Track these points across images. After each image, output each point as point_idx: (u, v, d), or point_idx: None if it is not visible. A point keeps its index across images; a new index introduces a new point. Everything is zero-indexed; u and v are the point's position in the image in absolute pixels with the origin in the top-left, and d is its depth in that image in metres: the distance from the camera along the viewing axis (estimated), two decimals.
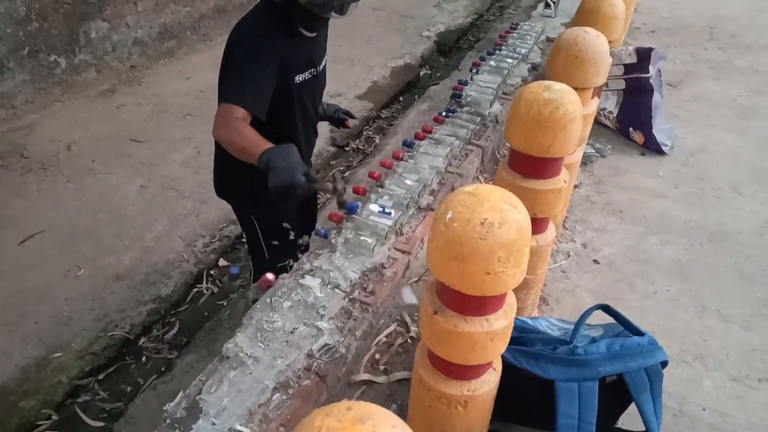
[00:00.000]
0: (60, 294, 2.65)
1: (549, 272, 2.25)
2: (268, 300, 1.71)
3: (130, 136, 3.86)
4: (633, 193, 2.79)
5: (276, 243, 2.05)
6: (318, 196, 2.61)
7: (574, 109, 1.55)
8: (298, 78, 1.76)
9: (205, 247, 3.11)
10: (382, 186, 2.24)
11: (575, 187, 2.79)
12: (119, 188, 3.35)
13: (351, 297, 1.75)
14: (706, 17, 5.55)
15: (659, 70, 3.14)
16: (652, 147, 3.12)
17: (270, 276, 1.72)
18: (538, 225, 1.75)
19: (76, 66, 4.27)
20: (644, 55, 3.05)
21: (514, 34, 3.97)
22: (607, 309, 1.41)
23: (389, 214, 2.02)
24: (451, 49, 6.39)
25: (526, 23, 4.31)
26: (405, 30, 6.24)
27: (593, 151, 3.03)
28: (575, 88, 2.06)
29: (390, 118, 4.87)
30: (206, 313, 2.79)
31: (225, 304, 2.86)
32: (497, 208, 1.06)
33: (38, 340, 2.44)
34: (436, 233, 1.11)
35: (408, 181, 2.29)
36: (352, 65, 5.30)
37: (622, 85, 3.23)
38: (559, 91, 1.55)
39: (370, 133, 4.55)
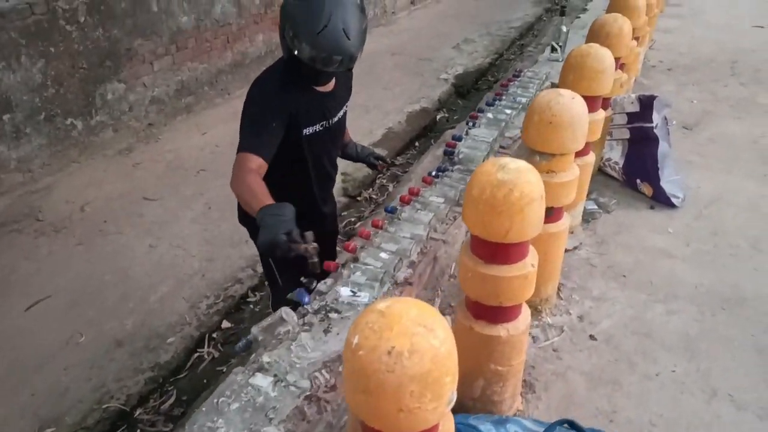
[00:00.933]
0: (60, 362, 2.60)
1: (539, 351, 2.07)
2: (215, 401, 1.58)
3: (143, 195, 3.87)
4: (639, 253, 2.59)
5: (288, 276, 2.10)
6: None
7: (531, 190, 1.40)
8: (307, 131, 1.82)
9: (209, 308, 3.03)
10: (356, 260, 2.12)
11: (574, 248, 2.60)
12: (128, 249, 3.33)
13: (308, 394, 1.61)
14: (727, 51, 5.32)
15: (665, 118, 2.96)
16: (661, 199, 2.92)
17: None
18: (506, 313, 1.59)
19: (92, 127, 4.36)
20: (647, 104, 2.87)
21: (516, 82, 3.85)
22: (572, 425, 1.23)
23: (359, 297, 1.89)
24: (470, 90, 6.33)
25: (530, 69, 4.19)
26: (423, 73, 6.22)
27: (596, 207, 2.84)
28: (551, 155, 1.93)
29: (405, 165, 4.78)
30: (205, 381, 2.67)
31: (224, 370, 2.76)
32: (408, 333, 0.93)
33: (33, 413, 2.38)
34: (345, 359, 0.98)
35: (384, 254, 2.16)
36: (368, 112, 5.27)
37: (626, 134, 3.05)
38: (514, 171, 1.41)
39: (384, 181, 4.46)
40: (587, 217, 2.81)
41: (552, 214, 2.02)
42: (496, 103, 3.45)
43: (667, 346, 2.08)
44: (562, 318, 2.21)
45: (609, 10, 3.26)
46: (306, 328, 1.77)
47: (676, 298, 2.31)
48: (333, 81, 1.84)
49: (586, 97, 2.36)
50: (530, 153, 1.97)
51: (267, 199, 1.58)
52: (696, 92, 4.40)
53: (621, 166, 3.08)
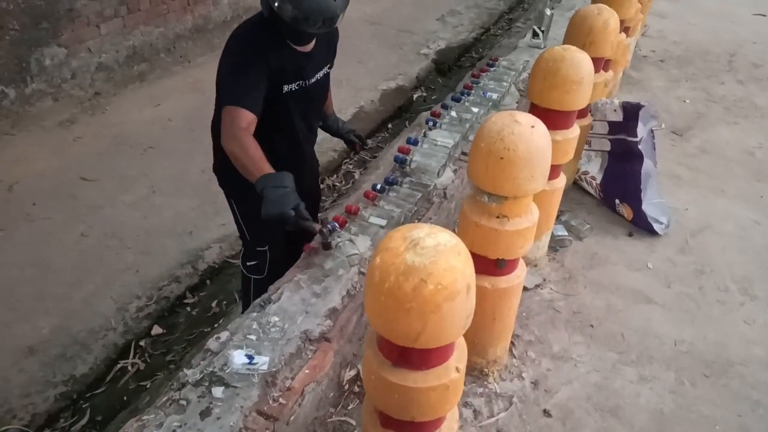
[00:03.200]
0: None
1: (480, 431, 1.68)
2: None
3: (80, 174, 3.46)
4: (611, 294, 2.20)
5: (253, 228, 2.12)
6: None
7: (454, 281, 0.98)
8: (286, 87, 1.81)
9: (139, 311, 2.69)
10: (269, 301, 1.72)
11: (536, 287, 2.20)
12: (55, 237, 2.94)
13: None
14: (724, 42, 4.88)
15: (651, 131, 2.53)
16: (641, 225, 2.52)
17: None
18: (422, 428, 1.19)
19: (27, 96, 3.91)
20: (631, 114, 2.44)
21: (490, 73, 3.39)
22: None
23: (255, 364, 1.49)
24: (451, 68, 5.90)
25: (506, 58, 3.73)
26: (402, 47, 5.73)
27: (566, 233, 2.43)
28: (504, 197, 1.51)
29: (375, 149, 4.34)
30: (125, 398, 2.37)
31: (149, 386, 2.43)
32: None
33: None
34: None
35: (293, 305, 1.76)
36: (339, 87, 4.77)
37: (606, 146, 2.63)
38: (431, 250, 0.98)
39: (350, 167, 4.03)
40: (555, 245, 2.41)
41: (504, 265, 1.61)
42: (464, 98, 3.00)
43: (635, 429, 1.70)
44: (512, 384, 1.81)
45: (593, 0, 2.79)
46: (178, 405, 1.37)
47: (651, 361, 1.92)
48: (313, 42, 1.82)
49: (557, 112, 1.94)
50: (477, 190, 1.54)
51: (266, 165, 1.59)
52: (689, 90, 3.98)
53: (599, 182, 2.67)
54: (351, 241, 2.10)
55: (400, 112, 4.95)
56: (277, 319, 1.71)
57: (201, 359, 1.53)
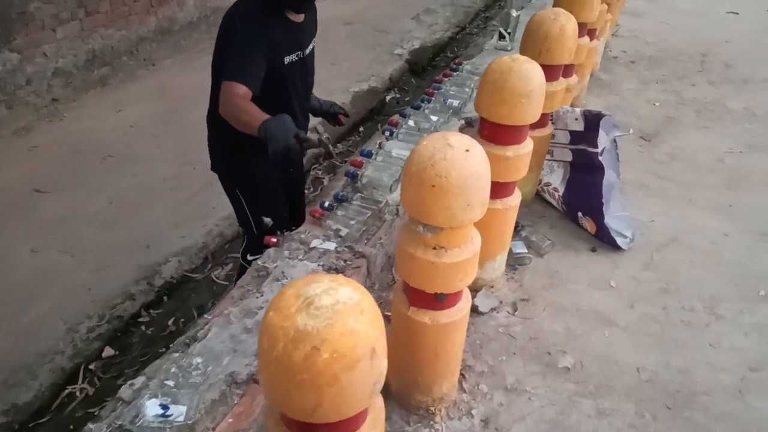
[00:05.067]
0: None
1: None
2: None
3: (34, 185, 3.32)
4: (572, 317, 2.07)
5: (263, 219, 2.17)
6: (305, 190, 2.72)
7: (354, 346, 0.84)
8: (287, 59, 1.86)
9: (90, 332, 2.57)
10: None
11: (492, 310, 2.07)
12: (5, 253, 2.82)
13: None
14: (698, 42, 4.79)
15: (615, 141, 2.41)
16: (605, 239, 2.40)
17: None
18: None
19: None
20: (592, 123, 2.32)
21: (453, 77, 3.26)
22: None
23: (170, 416, 1.35)
24: (425, 68, 5.84)
25: (471, 61, 3.60)
26: (376, 47, 5.65)
27: (525, 250, 2.30)
28: (441, 228, 1.37)
29: (345, 153, 4.22)
30: (72, 426, 2.24)
31: (97, 413, 2.27)
32: None
33: None
34: None
35: (221, 342, 1.62)
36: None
37: (568, 156, 2.50)
38: (327, 309, 0.84)
39: (319, 172, 3.92)
40: (515, 263, 2.28)
41: (444, 299, 1.47)
42: (423, 105, 2.87)
43: None
44: (461, 423, 1.68)
45: (554, 2, 2.66)
46: None
47: (611, 391, 1.79)
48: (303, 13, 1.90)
49: (507, 127, 1.81)
50: (411, 220, 1.40)
51: (264, 116, 1.66)
52: (659, 92, 3.87)
53: (561, 193, 2.54)
54: (291, 264, 1.96)
55: (372, 114, 4.86)
56: (200, 360, 1.56)
57: (111, 410, 1.38)
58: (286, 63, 1.87)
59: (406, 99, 5.11)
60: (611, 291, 2.19)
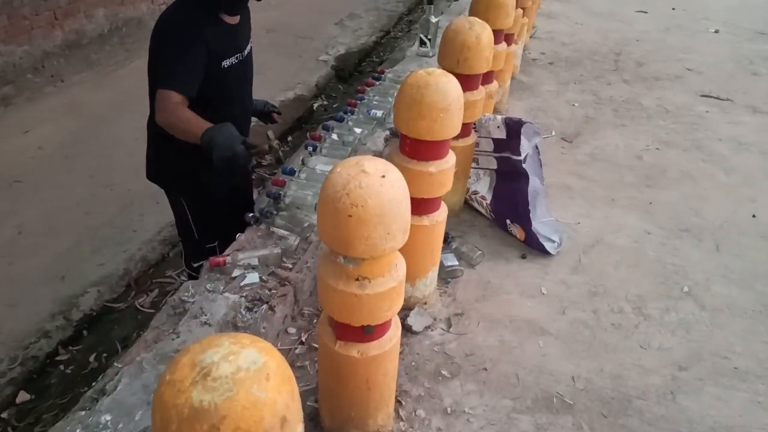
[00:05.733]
0: None
1: None
2: None
3: None
4: (505, 329, 2.04)
5: (205, 224, 2.15)
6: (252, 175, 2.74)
7: (261, 419, 0.74)
8: (225, 63, 1.84)
9: (1, 377, 2.35)
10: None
11: (426, 329, 2.01)
12: None
13: None
14: (611, 41, 4.96)
15: (537, 147, 2.42)
16: (534, 246, 2.40)
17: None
18: None
19: None
20: (513, 131, 2.31)
21: (376, 86, 3.20)
22: None
23: None
24: (352, 74, 5.79)
25: (393, 69, 3.56)
26: (301, 54, 5.54)
27: (456, 262, 2.26)
28: (362, 259, 1.29)
29: (272, 166, 4.06)
30: None
31: None
32: None
33: None
34: None
35: (132, 394, 1.49)
36: None
37: (493, 164, 2.49)
38: (227, 380, 0.73)
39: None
40: (446, 276, 2.24)
41: (372, 331, 1.40)
42: (347, 117, 2.79)
43: None
44: None
45: (470, 11, 2.65)
46: None
47: (548, 404, 1.77)
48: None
49: (428, 143, 1.76)
50: (331, 251, 1.32)
51: (205, 124, 1.66)
52: (578, 93, 3.97)
53: (489, 202, 2.53)
54: (210, 299, 1.84)
55: (300, 123, 4.75)
56: (109, 417, 1.43)
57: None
58: (225, 66, 1.84)
59: (334, 105, 5.05)
60: (542, 298, 2.19)
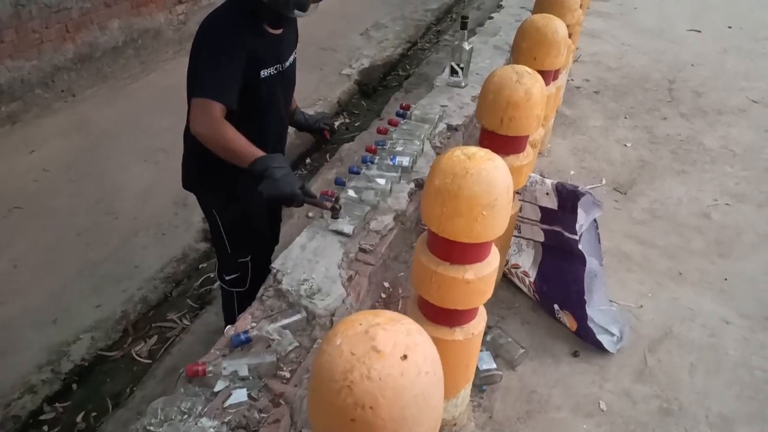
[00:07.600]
0: None
1: None
2: None
3: None
4: None
5: (236, 239, 2.07)
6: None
7: None
8: (264, 73, 1.78)
9: None
10: None
11: None
12: None
13: None
14: (663, 65, 4.46)
15: (595, 222, 1.98)
16: (588, 340, 1.96)
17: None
18: None
19: None
20: (568, 203, 1.88)
21: (402, 127, 2.79)
22: None
23: None
24: (376, 89, 5.42)
25: (419, 103, 3.14)
26: (323, 67, 5.18)
27: (493, 365, 1.84)
28: None
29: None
30: None
31: None
32: None
33: None
34: None
35: None
36: None
37: (539, 236, 2.06)
38: None
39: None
40: (481, 383, 1.82)
41: None
42: (366, 166, 2.40)
43: None
44: None
45: (512, 50, 2.21)
46: None
47: None
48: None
49: (464, 245, 1.35)
50: None
51: (255, 150, 1.63)
52: (629, 129, 3.50)
53: (533, 279, 2.10)
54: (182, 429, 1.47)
55: (320, 144, 4.41)
56: None
57: None
58: (262, 77, 1.77)
59: (356, 124, 4.70)
60: (602, 417, 1.75)
